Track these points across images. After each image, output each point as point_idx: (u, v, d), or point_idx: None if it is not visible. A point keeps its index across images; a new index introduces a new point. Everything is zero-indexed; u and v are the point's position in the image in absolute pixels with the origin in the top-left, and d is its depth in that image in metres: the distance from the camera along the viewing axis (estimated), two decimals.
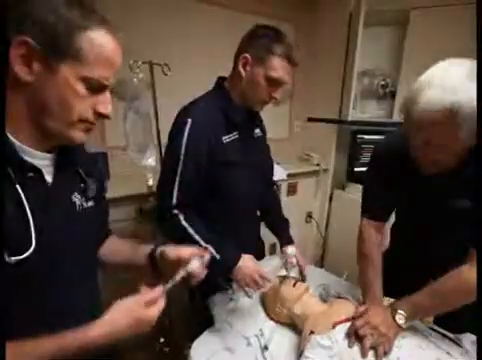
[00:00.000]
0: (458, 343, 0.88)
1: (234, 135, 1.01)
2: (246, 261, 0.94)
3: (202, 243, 0.92)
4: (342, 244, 2.30)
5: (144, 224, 1.62)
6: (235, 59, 1.01)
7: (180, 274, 0.65)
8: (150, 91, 1.39)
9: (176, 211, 0.93)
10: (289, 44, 0.96)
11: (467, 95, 0.64)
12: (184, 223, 0.93)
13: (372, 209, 1.04)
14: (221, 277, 0.99)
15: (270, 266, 1.02)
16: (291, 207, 2.19)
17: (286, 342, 0.96)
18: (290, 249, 1.11)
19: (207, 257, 0.71)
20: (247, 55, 0.95)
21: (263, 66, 0.94)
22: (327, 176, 2.39)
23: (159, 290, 0.61)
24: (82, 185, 0.65)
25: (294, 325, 0.99)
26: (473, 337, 0.87)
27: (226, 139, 0.99)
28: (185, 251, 0.70)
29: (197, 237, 0.93)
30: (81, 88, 0.50)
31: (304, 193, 2.38)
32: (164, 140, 1.08)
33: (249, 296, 0.97)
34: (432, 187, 0.84)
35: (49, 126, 0.52)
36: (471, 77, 0.65)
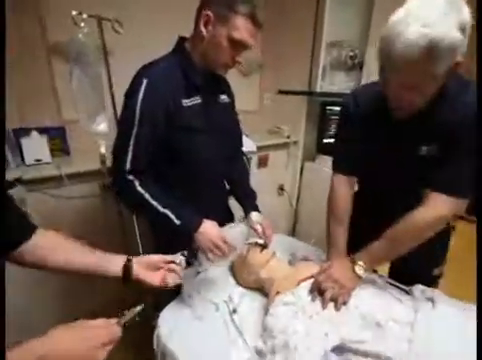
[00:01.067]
0: (408, 292, 0.96)
1: (196, 99, 0.96)
2: (208, 227, 0.92)
3: (160, 208, 0.89)
4: (313, 215, 2.36)
5: (108, 200, 1.55)
6: (196, 17, 0.94)
7: (137, 309, 0.62)
8: (101, 51, 1.26)
9: (131, 177, 0.89)
10: (254, 3, 0.90)
11: (443, 30, 0.64)
12: (140, 189, 0.89)
13: (344, 163, 1.05)
14: (185, 248, 0.97)
15: (234, 233, 1.01)
16: (262, 180, 2.20)
17: (255, 305, 0.97)
18: (255, 216, 1.10)
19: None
20: (209, 12, 0.88)
21: (226, 26, 0.88)
22: (297, 148, 2.40)
23: (118, 331, 0.56)
24: None
25: (263, 290, 1.01)
26: (422, 287, 0.95)
27: (187, 103, 0.93)
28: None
29: (154, 203, 0.89)
30: None
31: (275, 165, 2.38)
32: (119, 106, 1.01)
33: (215, 263, 0.95)
34: (403, 133, 0.86)
35: None
36: (446, 10, 0.64)
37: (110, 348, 0.54)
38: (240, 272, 1.05)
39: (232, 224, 1.13)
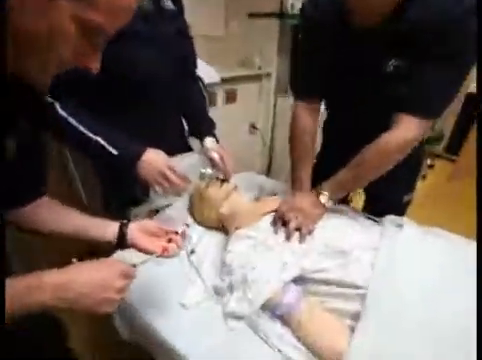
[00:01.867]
0: (377, 221, 0.91)
1: None
2: (152, 155, 0.78)
3: (90, 135, 0.74)
4: (288, 152, 2.25)
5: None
6: None
7: (153, 256, 0.64)
8: None
9: (49, 99, 0.72)
10: None
11: None
12: (62, 113, 0.73)
13: (304, 83, 0.95)
14: (133, 184, 0.85)
15: (186, 163, 0.88)
16: (231, 116, 2.03)
17: (214, 241, 0.91)
18: (209, 142, 0.96)
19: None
20: None
21: None
22: (269, 81, 2.20)
23: (133, 269, 0.57)
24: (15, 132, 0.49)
25: (223, 228, 0.93)
26: (392, 216, 0.89)
27: None
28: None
29: (82, 129, 0.74)
30: (73, 29, 0.38)
31: (245, 101, 2.17)
32: None
33: (167, 198, 0.85)
34: (366, 45, 0.76)
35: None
36: None
37: (129, 282, 0.54)
38: (199, 209, 0.96)
39: (184, 154, 0.99)
